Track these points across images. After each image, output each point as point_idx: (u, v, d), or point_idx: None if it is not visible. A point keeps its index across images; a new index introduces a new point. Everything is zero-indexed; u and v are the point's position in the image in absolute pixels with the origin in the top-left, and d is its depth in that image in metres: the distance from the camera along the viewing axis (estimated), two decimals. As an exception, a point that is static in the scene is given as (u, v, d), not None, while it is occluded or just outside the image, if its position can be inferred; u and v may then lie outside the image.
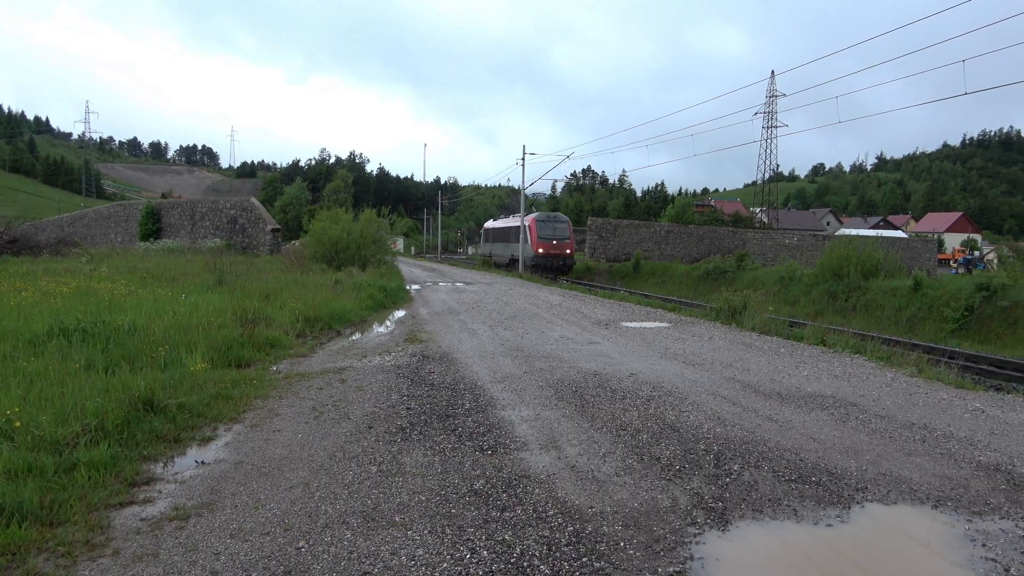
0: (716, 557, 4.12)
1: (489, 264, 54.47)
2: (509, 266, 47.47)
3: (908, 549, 4.39)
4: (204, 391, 7.62)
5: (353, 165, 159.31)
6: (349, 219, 30.83)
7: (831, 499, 5.04)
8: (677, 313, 18.53)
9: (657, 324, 15.61)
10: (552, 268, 41.01)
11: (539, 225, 42.19)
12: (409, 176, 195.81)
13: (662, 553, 4.12)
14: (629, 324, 15.48)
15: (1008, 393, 9.46)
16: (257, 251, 39.07)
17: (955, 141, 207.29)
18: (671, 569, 3.93)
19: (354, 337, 13.41)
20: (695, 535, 4.39)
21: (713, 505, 4.86)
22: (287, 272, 24.11)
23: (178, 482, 5.22)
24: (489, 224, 59.85)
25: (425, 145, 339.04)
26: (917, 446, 6.38)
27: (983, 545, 4.35)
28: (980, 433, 6.88)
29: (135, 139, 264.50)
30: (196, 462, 5.68)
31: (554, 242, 41.51)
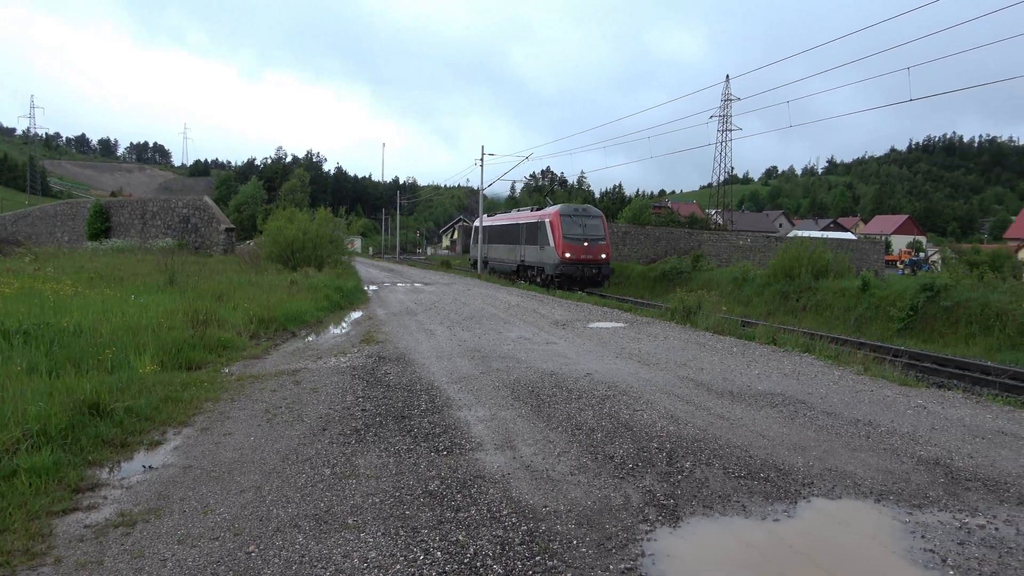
0: (667, 553, 4.19)
1: (467, 268, 49.23)
2: (517, 275, 35.84)
3: (852, 541, 4.52)
4: (153, 394, 7.45)
5: (310, 164, 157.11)
6: (305, 219, 30.46)
7: (779, 494, 5.16)
8: (633, 313, 18.74)
9: (614, 324, 15.76)
10: (584, 280, 30.38)
11: (565, 221, 30.57)
12: (367, 176, 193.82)
13: (614, 551, 4.17)
14: (586, 324, 15.60)
15: (949, 390, 9.80)
16: (211, 251, 38.30)
17: (902, 146, 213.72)
18: (622, 566, 3.98)
19: (309, 338, 13.26)
20: (647, 532, 4.45)
21: (665, 502, 4.94)
22: (241, 272, 23.69)
23: (124, 488, 5.10)
24: (484, 221, 44.94)
25: (384, 144, 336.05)
26: (862, 442, 6.57)
27: (922, 537, 4.50)
28: (922, 429, 7.11)
29: (83, 136, 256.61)
30: (143, 467, 5.56)
31: (585, 243, 30.13)
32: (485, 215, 45.82)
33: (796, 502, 5.04)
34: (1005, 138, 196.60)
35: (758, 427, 6.98)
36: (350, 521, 4.54)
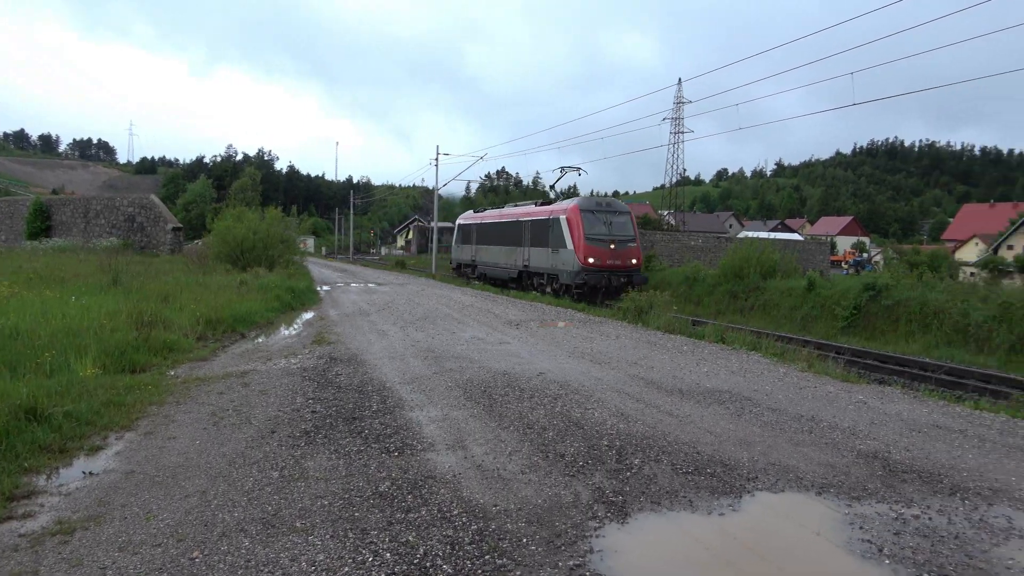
0: (615, 549, 4.25)
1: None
2: (518, 284, 29.34)
3: (794, 533, 4.65)
4: (94, 398, 7.24)
5: (262, 162, 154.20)
6: (255, 218, 29.89)
7: (724, 489, 5.28)
8: (586, 313, 18.90)
9: (567, 324, 15.88)
10: (611, 291, 23.83)
11: (586, 218, 24.49)
12: (321, 175, 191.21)
13: (563, 548, 4.21)
14: (540, 324, 15.68)
15: (889, 386, 10.13)
16: (157, 251, 37.34)
17: (847, 149, 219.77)
18: (571, 563, 4.02)
19: (259, 340, 13.03)
20: (595, 528, 4.51)
21: (614, 499, 5.00)
22: (189, 273, 23.14)
23: (63, 495, 4.95)
24: (471, 217, 37.67)
25: (337, 143, 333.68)
26: (805, 437, 6.76)
27: (861, 528, 4.65)
28: (862, 423, 7.34)
29: (22, 131, 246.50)
30: (83, 473, 5.40)
31: (612, 246, 24.26)
32: (471, 211, 39.55)
33: (741, 496, 5.16)
34: (943, 143, 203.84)
35: (706, 424, 7.12)
36: (298, 524, 4.48)
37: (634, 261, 24.88)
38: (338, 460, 5.77)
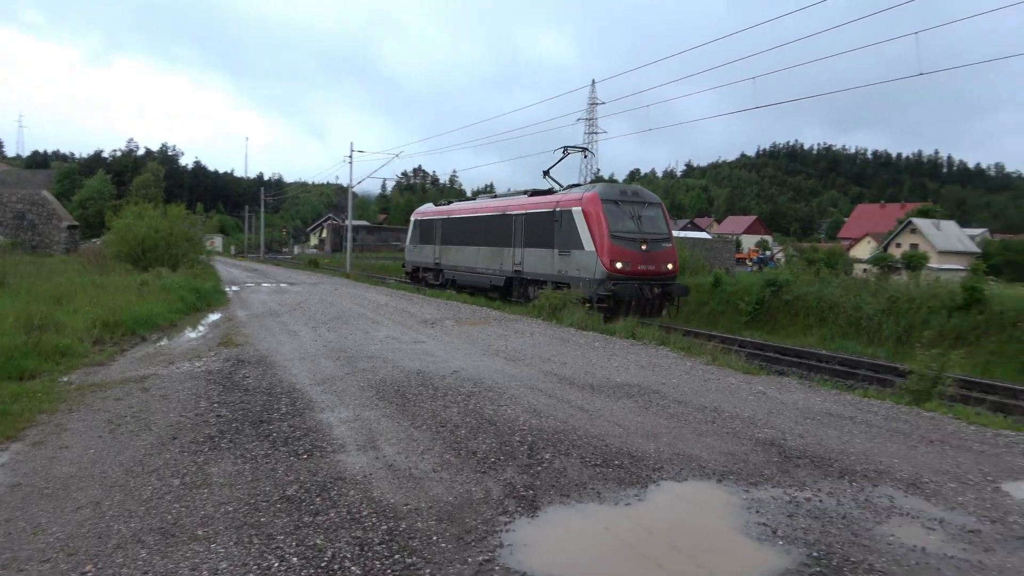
0: (524, 543, 4.31)
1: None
2: (505, 294, 23.66)
3: (696, 519, 4.83)
4: (-25, 408, 6.77)
5: (165, 158, 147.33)
6: (157, 215, 28.60)
7: (631, 480, 5.44)
8: (502, 311, 19.03)
9: (483, 322, 15.94)
10: (644, 305, 18.90)
11: (610, 210, 19.30)
12: (229, 171, 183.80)
13: (473, 543, 4.24)
14: (455, 323, 15.68)
15: (786, 376, 10.67)
16: (50, 250, 35.23)
17: (751, 151, 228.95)
18: (480, 558, 4.06)
19: (161, 343, 12.50)
20: (506, 523, 4.56)
21: (524, 493, 5.07)
22: (85, 273, 21.94)
23: (-62, 511, 4.62)
24: (432, 212, 31.24)
25: (247, 139, 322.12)
26: (708, 427, 7.04)
27: (757, 512, 4.89)
28: (760, 413, 7.70)
29: None
30: (-38, 488, 5.04)
31: (643, 247, 19.17)
32: (430, 205, 33.67)
33: (647, 486, 5.32)
34: (840, 146, 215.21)
35: (615, 417, 7.30)
36: (200, 533, 4.34)
37: (670, 266, 19.56)
38: (244, 465, 5.61)
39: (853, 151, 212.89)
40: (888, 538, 4.50)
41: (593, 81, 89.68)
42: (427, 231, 30.78)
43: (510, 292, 23.43)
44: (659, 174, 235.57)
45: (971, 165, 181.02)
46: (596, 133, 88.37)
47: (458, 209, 28.68)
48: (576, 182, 26.46)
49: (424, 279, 31.09)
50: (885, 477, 5.67)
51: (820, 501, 5.10)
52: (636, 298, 18.48)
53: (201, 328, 14.62)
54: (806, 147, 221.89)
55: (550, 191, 23.24)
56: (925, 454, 6.35)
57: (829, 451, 6.33)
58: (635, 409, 7.69)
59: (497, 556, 4.09)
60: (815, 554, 4.21)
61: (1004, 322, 16.73)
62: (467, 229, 26.91)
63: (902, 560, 4.16)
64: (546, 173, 24.50)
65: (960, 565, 4.11)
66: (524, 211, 22.87)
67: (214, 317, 16.50)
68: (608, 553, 4.28)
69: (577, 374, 9.63)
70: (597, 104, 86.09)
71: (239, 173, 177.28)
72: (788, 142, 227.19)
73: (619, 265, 18.60)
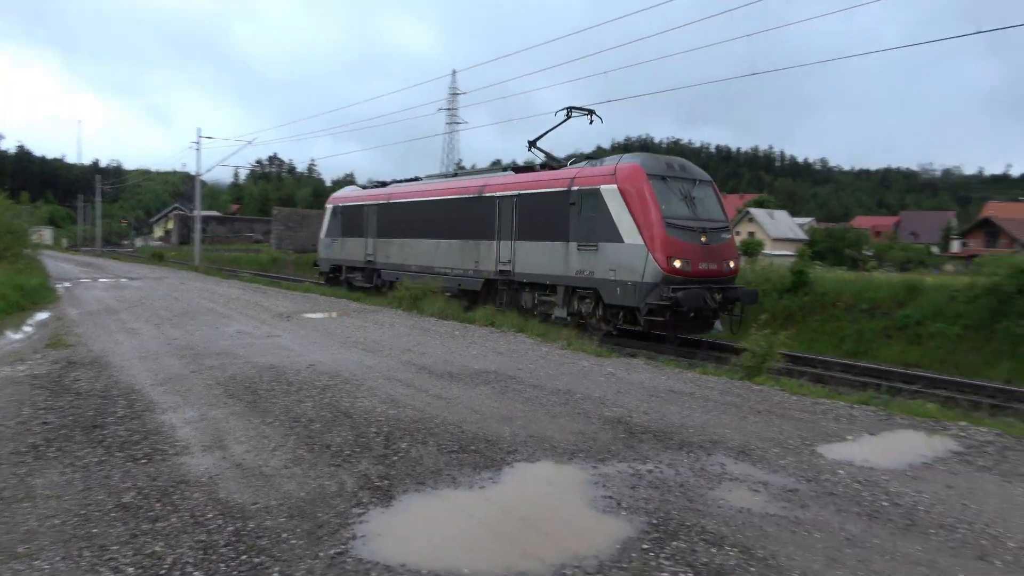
0: (378, 532, 4.31)
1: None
2: (476, 300, 18.37)
3: (547, 496, 5.02)
4: None
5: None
6: (-29, 206, 25.71)
7: (486, 463, 5.55)
8: (361, 302, 18.72)
9: (341, 314, 15.62)
10: (705, 317, 14.77)
11: (659, 189, 14.44)
12: (60, 157, 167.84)
13: (325, 537, 4.18)
14: (312, 315, 15.26)
15: (635, 358, 11.24)
16: None
17: (607, 144, 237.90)
18: (332, 552, 4.01)
19: (-24, 346, 11.28)
20: (360, 515, 4.53)
21: (379, 484, 5.06)
22: None
23: None
24: (359, 196, 25.22)
25: (80, 122, 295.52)
26: (561, 409, 7.31)
27: (603, 486, 5.14)
28: (610, 393, 8.09)
29: None
30: None
31: (703, 238, 14.46)
32: (353, 188, 28.16)
33: (501, 468, 5.46)
34: (686, 141, 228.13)
35: (472, 404, 7.42)
36: (21, 550, 3.99)
37: (731, 264, 15.08)
38: (74, 474, 5.20)
39: (699, 145, 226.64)
40: (719, 502, 4.88)
41: (454, 71, 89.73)
42: (353, 220, 24.41)
43: (494, 297, 18.06)
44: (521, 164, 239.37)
45: (800, 160, 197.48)
46: (457, 123, 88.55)
47: (403, 192, 22.37)
48: (568, 157, 19.42)
49: (349, 280, 24.97)
50: (718, 446, 6.14)
51: (661, 472, 5.45)
52: (701, 306, 13.76)
53: (27, 328, 13.34)
54: (656, 140, 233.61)
55: (546, 166, 17.76)
56: (754, 423, 6.94)
57: (670, 425, 6.76)
58: (492, 395, 7.84)
59: (350, 548, 4.06)
60: (654, 521, 4.49)
61: (826, 302, 18.48)
62: (418, 217, 20.95)
63: (730, 521, 4.53)
64: (533, 143, 18.70)
65: (779, 522, 4.54)
66: (515, 192, 17.26)
67: (42, 316, 15.09)
68: (463, 534, 4.36)
69: (436, 363, 9.67)
70: (458, 94, 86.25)
71: (71, 160, 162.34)
72: (640, 136, 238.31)
73: (677, 264, 13.70)
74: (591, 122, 18.29)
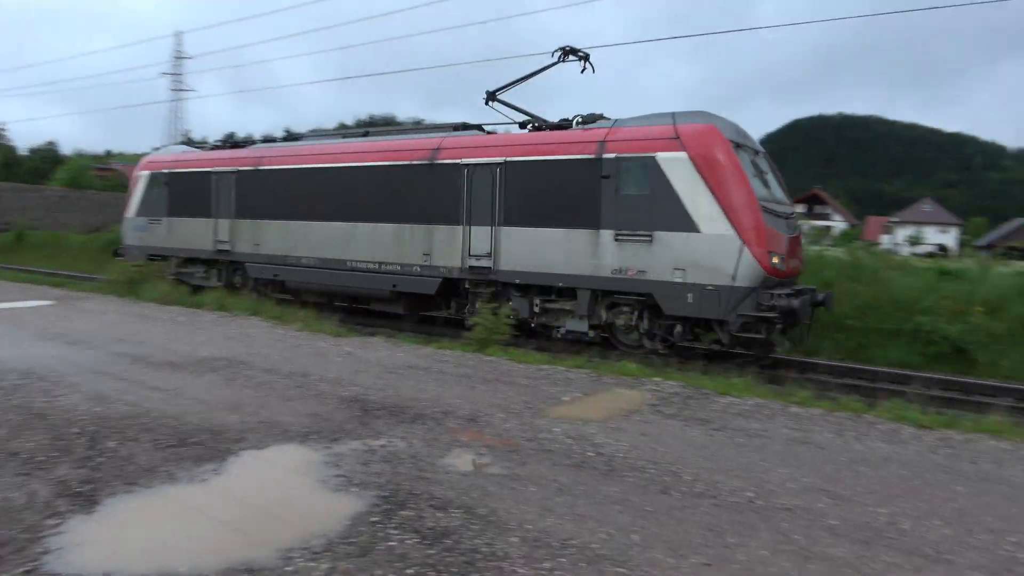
0: (78, 542, 3.89)
1: None
2: (425, 307, 13.91)
3: (278, 481, 4.89)
4: None
5: None
6: None
7: (209, 455, 5.25)
8: (66, 289, 16.50)
9: (38, 302, 13.62)
10: (792, 322, 10.66)
11: (745, 159, 10.84)
12: None
13: (9, 556, 3.68)
14: (1, 305, 13.12)
15: (374, 336, 11.28)
16: None
17: (349, 120, 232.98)
18: (20, 571, 3.55)
19: None
20: (55, 526, 4.05)
21: (80, 489, 4.55)
22: None
23: None
24: (213, 160, 17.15)
25: None
26: (295, 392, 7.13)
27: (336, 466, 5.14)
28: (346, 372, 8.06)
29: None
30: None
31: (789, 228, 11.34)
32: (183, 147, 20.57)
33: (226, 458, 5.20)
34: (429, 121, 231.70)
35: (197, 394, 6.95)
36: None
37: (798, 261, 11.96)
38: None
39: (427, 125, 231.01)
40: (448, 468, 5.14)
41: (179, 33, 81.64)
42: (189, 194, 17.26)
43: (462, 303, 13.16)
44: (258, 138, 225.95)
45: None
46: (183, 90, 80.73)
47: (285, 155, 15.71)
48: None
49: (182, 277, 17.54)
50: (449, 416, 6.43)
51: (393, 446, 5.58)
52: (797, 309, 10.30)
53: None
54: (400, 119, 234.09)
55: (539, 127, 12.91)
56: (483, 392, 7.36)
57: (405, 400, 6.93)
58: (220, 383, 7.41)
59: (42, 564, 3.62)
60: (384, 494, 4.60)
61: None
62: (317, 191, 14.67)
63: (456, 485, 4.80)
64: (493, 96, 13.81)
65: (501, 480, 4.90)
66: (498, 159, 12.24)
67: None
68: (183, 531, 4.10)
69: (155, 352, 8.87)
70: (184, 58, 78.56)
71: None
72: (383, 114, 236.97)
73: (775, 261, 10.42)
74: (583, 70, 13.65)
